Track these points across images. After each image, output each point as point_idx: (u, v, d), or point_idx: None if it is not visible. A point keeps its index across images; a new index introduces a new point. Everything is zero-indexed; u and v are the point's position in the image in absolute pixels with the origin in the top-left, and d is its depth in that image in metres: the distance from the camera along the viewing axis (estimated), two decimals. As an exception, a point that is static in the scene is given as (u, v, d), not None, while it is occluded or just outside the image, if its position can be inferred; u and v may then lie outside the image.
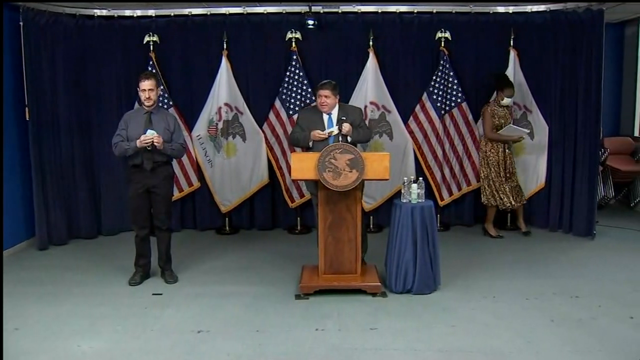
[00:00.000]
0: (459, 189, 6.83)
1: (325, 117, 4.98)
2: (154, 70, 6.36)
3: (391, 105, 6.61)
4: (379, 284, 4.69)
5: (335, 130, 4.79)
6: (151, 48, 6.54)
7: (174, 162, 5.71)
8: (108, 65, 6.53)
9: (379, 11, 6.58)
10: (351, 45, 6.69)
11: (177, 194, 6.50)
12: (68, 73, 6.31)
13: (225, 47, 6.56)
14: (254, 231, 6.97)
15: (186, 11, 6.59)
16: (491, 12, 6.63)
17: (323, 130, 4.87)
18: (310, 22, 6.35)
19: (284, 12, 6.58)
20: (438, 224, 6.43)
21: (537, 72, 6.65)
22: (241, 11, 6.57)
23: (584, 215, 6.41)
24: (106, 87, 6.55)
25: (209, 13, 6.59)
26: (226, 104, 6.56)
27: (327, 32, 6.63)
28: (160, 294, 4.80)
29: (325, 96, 4.90)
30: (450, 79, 6.58)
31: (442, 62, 6.56)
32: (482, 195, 6.53)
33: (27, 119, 6.02)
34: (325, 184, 4.47)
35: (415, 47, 6.71)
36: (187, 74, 6.76)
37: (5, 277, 4.82)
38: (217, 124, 6.60)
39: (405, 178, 4.84)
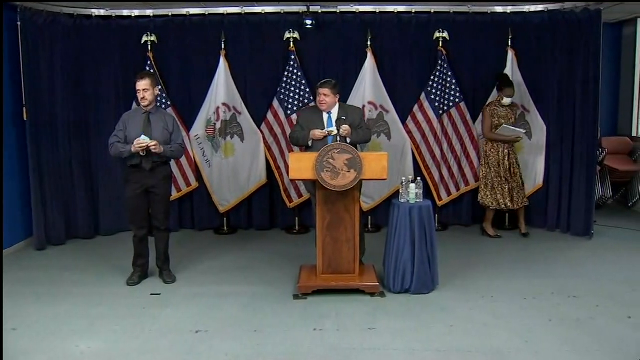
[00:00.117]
0: (457, 189, 6.84)
1: (325, 116, 4.98)
2: (151, 70, 6.36)
3: (389, 105, 6.61)
4: (377, 284, 4.70)
5: (334, 130, 4.79)
6: (149, 48, 6.54)
7: (172, 162, 5.71)
8: (106, 65, 6.53)
9: (377, 11, 6.59)
10: (349, 45, 6.69)
11: (175, 194, 6.49)
12: (66, 73, 6.31)
13: (223, 47, 6.56)
14: (252, 231, 6.97)
15: (184, 11, 6.59)
16: (489, 12, 6.64)
17: (323, 130, 4.87)
18: (309, 22, 6.35)
19: (282, 12, 6.58)
20: (436, 224, 6.44)
21: (535, 72, 6.65)
22: (239, 11, 6.57)
23: (582, 215, 6.42)
24: (104, 87, 6.55)
25: (207, 13, 6.59)
26: (224, 104, 6.56)
27: (325, 32, 6.63)
28: (159, 294, 4.80)
29: (325, 94, 4.90)
30: (449, 79, 6.58)
31: (440, 62, 6.57)
32: (479, 195, 6.54)
33: (25, 119, 6.01)
34: (324, 184, 4.46)
35: (413, 47, 6.72)
36: (185, 74, 6.75)
37: (3, 277, 4.81)
38: (215, 124, 6.59)
39: (404, 178, 4.84)
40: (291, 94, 6.54)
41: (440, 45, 6.58)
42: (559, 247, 6.08)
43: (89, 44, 6.45)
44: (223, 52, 6.56)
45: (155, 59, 6.56)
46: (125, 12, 6.56)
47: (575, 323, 4.10)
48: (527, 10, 6.61)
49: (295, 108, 6.53)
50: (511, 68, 6.56)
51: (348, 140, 4.78)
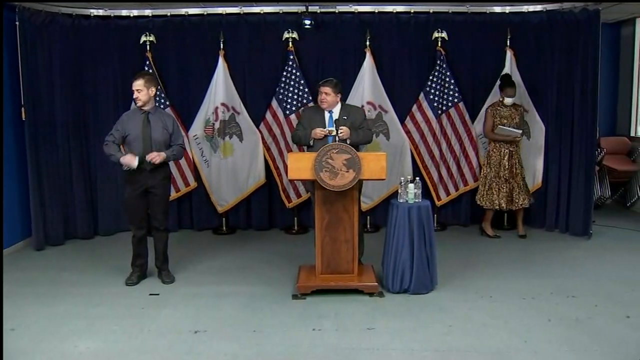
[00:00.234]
0: (456, 189, 6.84)
1: (327, 115, 4.98)
2: (150, 70, 6.35)
3: (388, 105, 6.61)
4: (376, 283, 4.69)
5: (333, 130, 4.80)
6: (148, 48, 6.53)
7: (171, 163, 5.70)
8: (104, 65, 6.53)
9: (376, 11, 6.59)
10: (348, 45, 6.70)
11: (174, 194, 6.49)
12: (64, 73, 6.30)
13: (222, 47, 6.56)
14: (251, 231, 6.97)
15: (183, 11, 6.58)
16: (488, 12, 6.64)
17: (324, 129, 4.88)
18: (307, 22, 6.35)
19: (280, 12, 6.58)
20: (435, 224, 6.44)
21: (534, 72, 6.66)
22: (238, 11, 6.56)
23: (581, 215, 6.42)
24: (103, 87, 6.55)
25: (205, 13, 6.59)
26: (223, 104, 6.56)
27: (324, 32, 6.63)
28: (157, 294, 4.79)
29: (326, 93, 4.90)
30: (447, 79, 6.59)
31: (438, 62, 6.57)
32: (477, 194, 6.55)
33: (24, 119, 6.00)
34: (322, 184, 4.46)
35: (412, 47, 6.73)
36: (183, 74, 6.75)
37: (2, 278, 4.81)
38: (213, 124, 6.59)
39: (402, 178, 4.84)
40: (290, 94, 6.54)
41: (439, 45, 6.58)
42: (558, 247, 6.09)
43: (87, 44, 6.45)
44: (222, 52, 6.56)
45: (154, 59, 6.55)
46: (124, 12, 6.56)
47: (574, 323, 4.10)
48: (526, 10, 6.62)
49: (294, 108, 6.54)
50: (510, 68, 6.56)
51: (348, 141, 4.78)
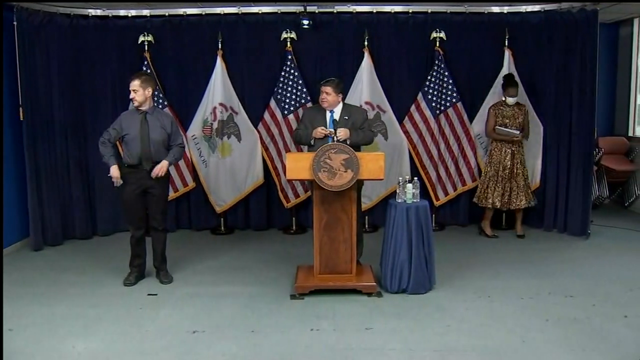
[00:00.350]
0: (454, 189, 6.84)
1: (329, 115, 4.98)
2: (148, 70, 6.35)
3: (386, 105, 6.61)
4: (375, 283, 4.70)
5: (333, 131, 4.81)
6: (146, 48, 6.53)
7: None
8: (103, 65, 6.52)
9: (374, 11, 6.59)
10: (346, 45, 6.70)
11: (172, 194, 6.48)
12: (62, 73, 6.29)
13: (220, 47, 6.56)
14: (249, 231, 6.96)
15: (181, 11, 6.57)
16: (486, 12, 6.65)
17: (325, 129, 4.88)
18: (305, 22, 6.35)
19: (279, 12, 6.57)
20: (433, 224, 6.45)
21: (532, 72, 6.67)
22: (236, 11, 6.56)
23: (579, 215, 6.43)
24: (101, 87, 6.54)
25: (203, 13, 6.58)
26: (221, 104, 6.55)
27: (322, 32, 6.63)
28: (156, 295, 4.79)
29: (327, 93, 4.91)
30: (445, 79, 6.59)
31: (437, 62, 6.58)
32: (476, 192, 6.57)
33: (22, 119, 5.99)
34: (320, 184, 4.46)
35: (410, 47, 6.72)
36: (182, 74, 6.74)
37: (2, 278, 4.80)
38: (211, 124, 6.59)
39: (401, 178, 4.84)
40: (288, 94, 6.54)
41: (437, 45, 6.59)
42: (556, 247, 6.09)
43: (85, 44, 6.44)
44: (220, 52, 6.55)
45: (152, 59, 6.55)
46: (122, 12, 6.54)
47: (572, 322, 4.11)
48: (524, 11, 6.62)
49: (292, 108, 6.54)
50: (508, 68, 6.57)
51: (348, 142, 4.78)
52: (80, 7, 6.38)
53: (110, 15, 6.51)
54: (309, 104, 6.45)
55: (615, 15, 7.53)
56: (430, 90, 6.60)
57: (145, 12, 6.57)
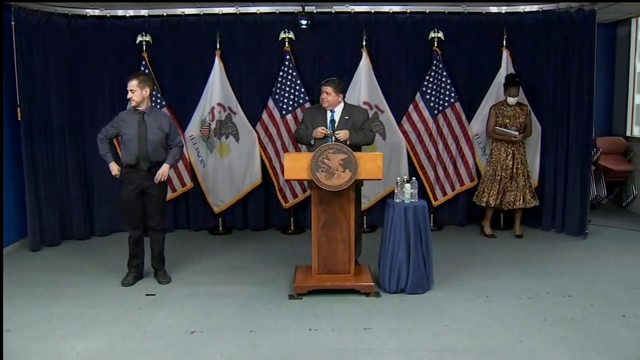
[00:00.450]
0: (453, 189, 6.84)
1: (329, 115, 4.98)
2: (146, 70, 6.35)
3: (384, 105, 6.61)
4: (373, 283, 4.70)
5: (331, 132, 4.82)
6: (144, 48, 6.52)
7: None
8: (100, 65, 6.51)
9: (372, 11, 6.59)
10: (344, 45, 6.70)
11: (170, 194, 6.46)
12: (60, 73, 6.28)
13: (218, 47, 6.55)
14: (247, 231, 6.96)
15: (179, 11, 6.57)
16: (484, 12, 6.65)
17: (325, 128, 4.88)
18: (304, 22, 6.35)
19: (277, 12, 6.57)
20: (431, 224, 6.45)
21: (530, 72, 6.67)
22: (234, 11, 6.56)
23: (577, 215, 6.44)
24: (99, 87, 6.53)
25: (202, 13, 6.58)
26: (219, 104, 6.55)
27: (320, 32, 6.63)
28: (154, 295, 4.79)
29: (327, 92, 4.91)
30: (443, 79, 6.59)
31: (435, 62, 6.58)
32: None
33: (19, 119, 5.99)
34: (319, 184, 4.46)
35: (408, 47, 6.72)
36: (180, 74, 6.74)
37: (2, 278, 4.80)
38: (209, 124, 6.58)
39: (399, 178, 4.84)
40: (286, 94, 6.54)
41: (435, 45, 6.59)
42: (554, 247, 6.10)
43: (83, 44, 6.43)
44: (218, 52, 6.55)
45: (150, 59, 6.54)
46: (120, 12, 6.54)
47: (569, 322, 4.11)
48: (522, 11, 6.62)
49: (290, 108, 6.54)
50: (506, 68, 6.57)
51: (348, 142, 4.78)
52: (78, 7, 6.37)
53: (108, 15, 6.50)
54: (307, 104, 6.45)
55: (613, 15, 7.53)
56: (429, 90, 6.60)
57: (143, 12, 6.56)
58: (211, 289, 4.90)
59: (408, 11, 6.60)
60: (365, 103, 6.50)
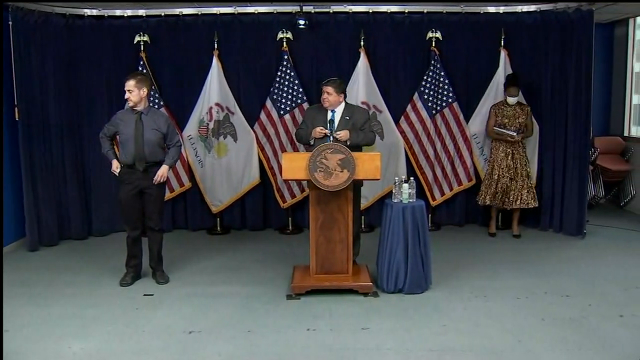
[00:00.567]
0: (451, 188, 6.84)
1: (330, 115, 4.97)
2: (144, 70, 6.34)
3: (382, 105, 6.62)
4: (371, 283, 4.70)
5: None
6: (142, 48, 6.51)
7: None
8: (98, 65, 6.50)
9: (370, 11, 6.59)
10: (342, 45, 6.70)
11: (168, 194, 6.45)
12: (58, 73, 6.28)
13: (216, 47, 6.55)
14: (245, 231, 6.95)
15: (177, 11, 6.57)
16: (482, 12, 6.66)
17: (324, 128, 4.88)
18: (302, 22, 6.34)
19: (275, 12, 6.57)
20: (429, 224, 6.44)
21: (528, 72, 6.67)
22: (232, 11, 6.56)
23: (575, 215, 6.44)
24: (96, 87, 6.52)
25: (199, 13, 6.58)
26: (217, 104, 6.55)
27: (318, 32, 6.63)
28: (152, 295, 4.78)
29: (328, 92, 4.91)
30: (441, 79, 6.59)
31: (433, 62, 6.58)
32: None
33: (17, 119, 5.98)
34: (317, 184, 4.46)
35: (406, 47, 6.73)
36: (178, 74, 6.73)
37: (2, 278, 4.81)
38: (207, 124, 6.58)
39: (397, 178, 4.84)
40: (284, 94, 6.54)
41: (433, 45, 6.59)
42: (552, 247, 6.10)
43: (81, 44, 6.42)
44: (216, 52, 6.54)
45: (148, 59, 6.53)
46: (118, 12, 6.53)
47: (567, 322, 4.12)
48: (520, 11, 6.63)
49: (288, 108, 6.54)
50: (504, 68, 6.58)
51: (348, 142, 4.78)
52: (75, 7, 6.37)
53: (106, 15, 6.50)
54: (305, 104, 6.45)
55: (610, 16, 7.54)
56: (427, 90, 6.60)
57: (141, 12, 6.56)
58: (209, 289, 4.90)
59: (406, 11, 6.61)
60: (363, 103, 6.50)
